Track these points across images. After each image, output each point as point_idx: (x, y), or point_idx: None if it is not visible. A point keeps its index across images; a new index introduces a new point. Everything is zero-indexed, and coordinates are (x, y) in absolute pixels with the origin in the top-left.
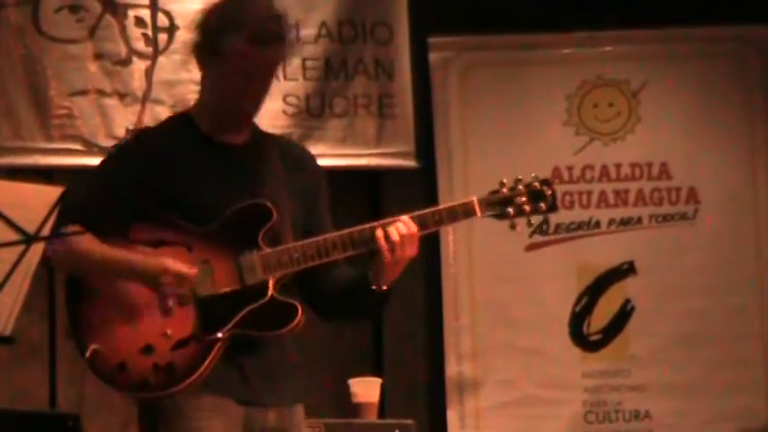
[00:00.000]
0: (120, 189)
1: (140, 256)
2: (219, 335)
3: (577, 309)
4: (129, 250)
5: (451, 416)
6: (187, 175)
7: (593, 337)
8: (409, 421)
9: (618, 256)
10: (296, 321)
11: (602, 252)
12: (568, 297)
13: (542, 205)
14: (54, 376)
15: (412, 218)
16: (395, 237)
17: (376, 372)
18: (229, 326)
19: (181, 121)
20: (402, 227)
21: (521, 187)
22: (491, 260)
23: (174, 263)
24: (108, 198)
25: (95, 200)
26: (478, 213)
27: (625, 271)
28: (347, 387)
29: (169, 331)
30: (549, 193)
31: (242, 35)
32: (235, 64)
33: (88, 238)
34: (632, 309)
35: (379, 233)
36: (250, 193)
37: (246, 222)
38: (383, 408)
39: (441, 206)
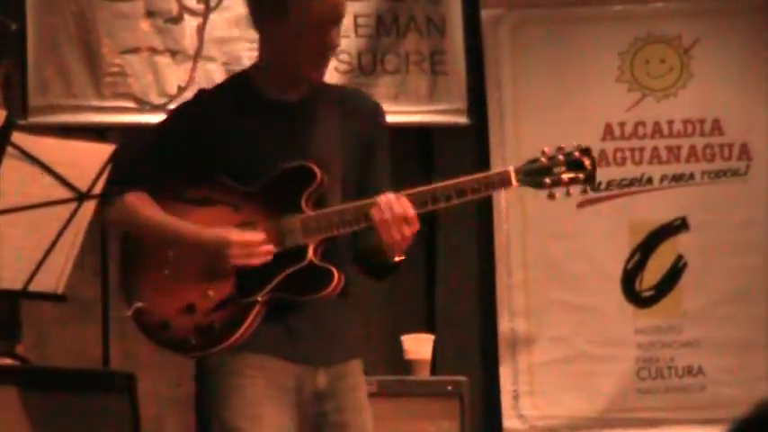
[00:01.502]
0: (174, 148)
1: (203, 228)
2: (257, 298)
3: (630, 265)
4: (185, 217)
5: (504, 372)
6: (238, 134)
7: (646, 294)
8: (462, 378)
9: (670, 212)
10: (332, 287)
11: (655, 208)
12: (621, 253)
13: (581, 176)
14: (107, 334)
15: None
16: (386, 215)
17: (428, 328)
18: (267, 289)
19: (238, 81)
20: (396, 206)
21: (560, 157)
22: (543, 216)
23: (239, 234)
24: (161, 157)
25: (150, 159)
26: (514, 183)
27: (677, 227)
28: (400, 344)
29: (211, 293)
30: (589, 163)
31: None
32: (308, 11)
33: (147, 203)
34: (684, 265)
35: (374, 210)
36: (300, 152)
37: (291, 184)
38: (435, 364)
39: (476, 175)
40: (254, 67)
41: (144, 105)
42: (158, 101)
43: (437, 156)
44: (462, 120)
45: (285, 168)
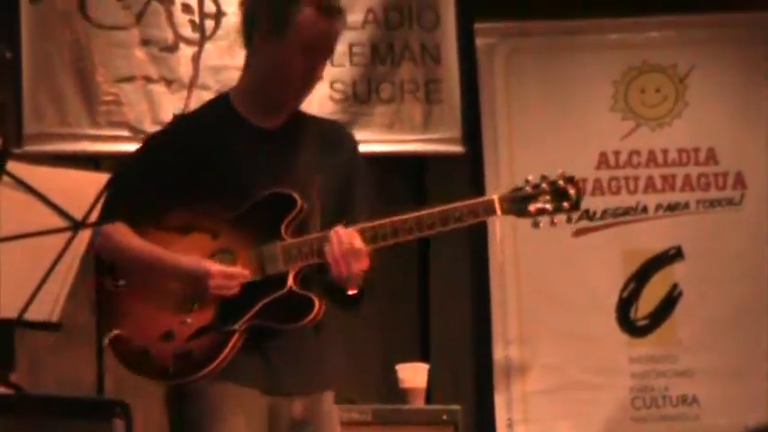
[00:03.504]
0: (154, 176)
1: (183, 257)
2: (236, 326)
3: (624, 294)
4: (164, 244)
5: (498, 401)
6: (218, 159)
7: (641, 323)
8: (456, 406)
9: (665, 241)
10: (312, 315)
11: (650, 237)
12: (615, 282)
13: (565, 204)
14: (101, 362)
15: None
16: (335, 250)
17: (423, 357)
18: (246, 317)
19: (219, 104)
20: (345, 242)
21: (544, 185)
22: (538, 245)
23: (218, 265)
24: (141, 185)
25: (130, 188)
26: (498, 211)
27: (672, 256)
28: (394, 372)
29: (189, 320)
30: (573, 192)
31: (311, 5)
32: (300, 35)
33: (125, 232)
34: (680, 294)
35: (326, 246)
36: (280, 180)
37: (271, 211)
38: (430, 393)
39: (461, 203)
40: (236, 90)
41: (139, 134)
42: (153, 129)
43: (432, 184)
44: (457, 148)
45: (265, 195)
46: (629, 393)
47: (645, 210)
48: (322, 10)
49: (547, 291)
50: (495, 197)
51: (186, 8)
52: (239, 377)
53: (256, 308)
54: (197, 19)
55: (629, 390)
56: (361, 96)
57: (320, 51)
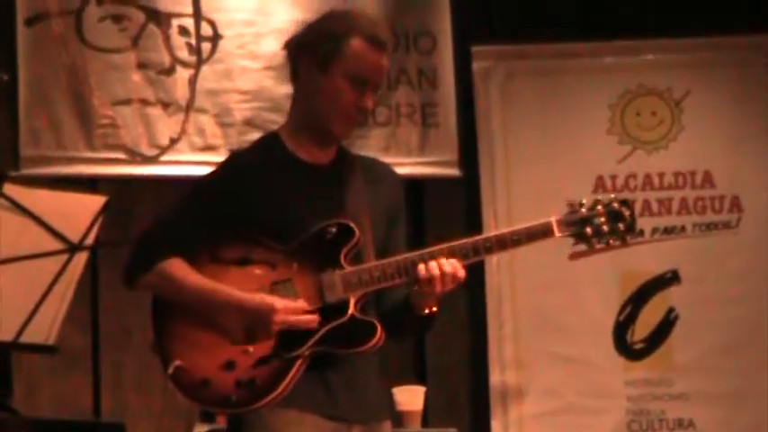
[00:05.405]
0: (210, 211)
1: (246, 295)
2: (299, 353)
3: (621, 317)
4: (222, 277)
5: (495, 424)
6: (273, 194)
7: (637, 346)
8: (452, 430)
9: (661, 264)
10: (375, 340)
11: (646, 261)
12: (612, 305)
13: (621, 226)
14: (98, 385)
15: (484, 241)
16: (435, 272)
17: (419, 380)
18: (309, 344)
19: (269, 141)
20: (446, 265)
21: (599, 207)
22: (534, 269)
23: (282, 300)
24: (198, 221)
25: (187, 226)
26: (556, 233)
27: (669, 279)
28: (391, 395)
29: (251, 348)
30: (628, 214)
31: (361, 37)
32: (350, 65)
33: (184, 268)
34: (676, 317)
35: (421, 266)
36: (333, 212)
37: (329, 241)
38: (426, 416)
39: (519, 227)
40: (285, 127)
41: (135, 157)
42: (150, 152)
43: (429, 207)
44: (453, 171)
45: (323, 226)
46: (625, 417)
47: (641, 233)
48: (371, 42)
49: (543, 314)
50: (554, 220)
51: (183, 31)
52: (301, 403)
53: (320, 334)
54: (194, 42)
55: (625, 413)
56: None
57: (368, 83)
